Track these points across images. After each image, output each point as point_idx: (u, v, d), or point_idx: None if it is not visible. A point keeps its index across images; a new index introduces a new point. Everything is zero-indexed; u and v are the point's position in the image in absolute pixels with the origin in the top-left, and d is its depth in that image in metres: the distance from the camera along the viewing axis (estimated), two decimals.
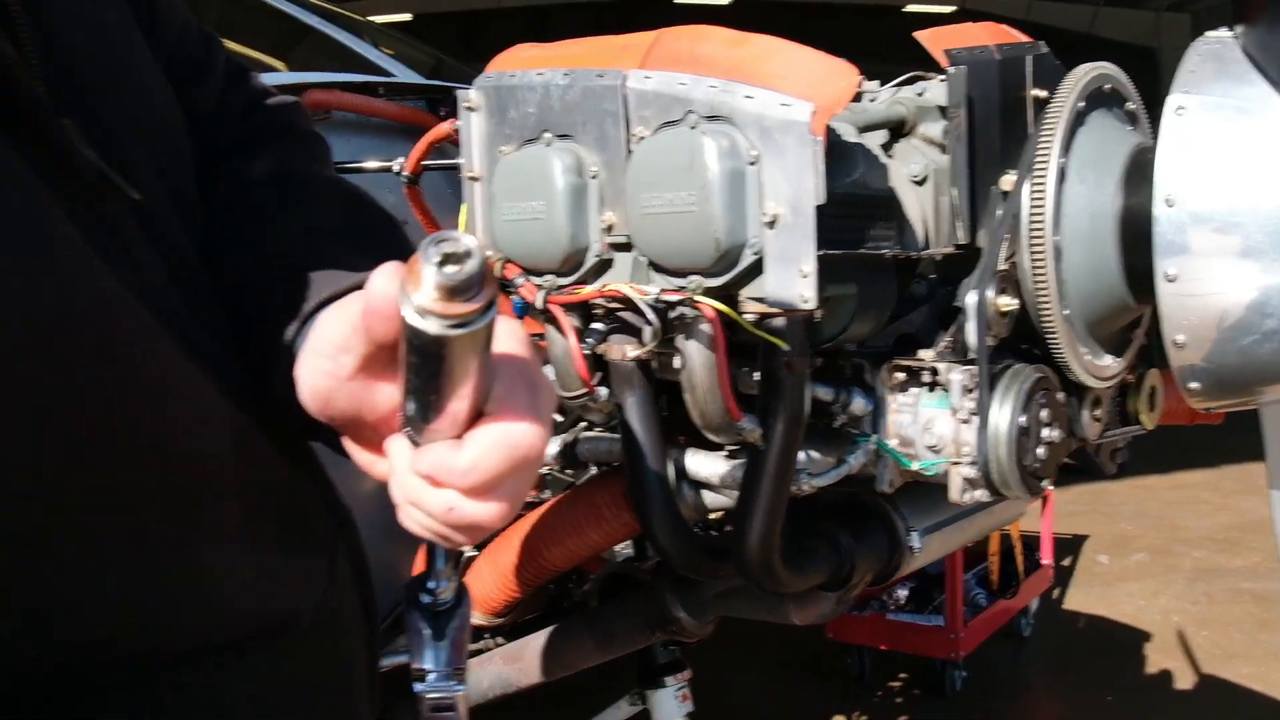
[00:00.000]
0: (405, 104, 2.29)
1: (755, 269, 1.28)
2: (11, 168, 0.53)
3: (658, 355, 1.44)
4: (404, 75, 2.49)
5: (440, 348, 0.51)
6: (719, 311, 1.31)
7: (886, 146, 1.56)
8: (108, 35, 0.71)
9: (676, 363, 1.44)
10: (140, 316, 0.59)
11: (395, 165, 1.81)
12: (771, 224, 1.24)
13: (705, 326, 1.35)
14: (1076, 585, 4.96)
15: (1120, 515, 5.93)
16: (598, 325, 1.48)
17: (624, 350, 1.44)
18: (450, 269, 0.48)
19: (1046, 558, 4.42)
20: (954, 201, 1.50)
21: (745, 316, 1.31)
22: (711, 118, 1.29)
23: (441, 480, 0.57)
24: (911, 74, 1.70)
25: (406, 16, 17.73)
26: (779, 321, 1.31)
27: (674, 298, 1.32)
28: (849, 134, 1.44)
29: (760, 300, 1.29)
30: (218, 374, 0.64)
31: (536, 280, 1.48)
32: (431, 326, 0.50)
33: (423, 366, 0.53)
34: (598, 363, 1.50)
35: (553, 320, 1.48)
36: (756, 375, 1.43)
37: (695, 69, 1.32)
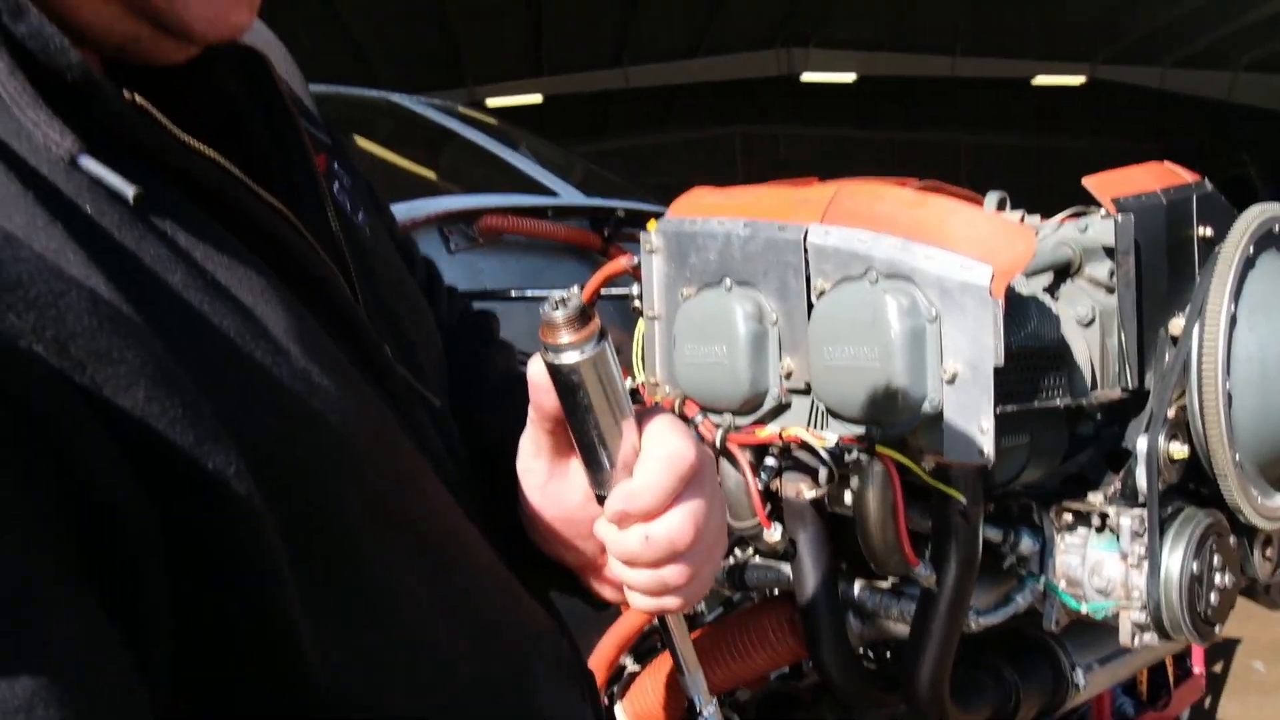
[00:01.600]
0: (570, 225, 2.41)
1: (933, 421, 1.33)
2: (364, 387, 0.65)
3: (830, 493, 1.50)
4: (567, 194, 2.62)
5: (579, 374, 0.64)
6: (897, 461, 1.36)
7: (1052, 287, 1.61)
8: (396, 270, 0.84)
9: (848, 498, 1.49)
10: (452, 503, 0.71)
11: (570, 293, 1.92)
12: (951, 381, 1.30)
13: (881, 473, 1.40)
14: (1230, 694, 4.77)
15: (1277, 617, 5.67)
16: (771, 461, 1.54)
17: (799, 489, 1.50)
18: (561, 308, 0.63)
19: (1198, 665, 4.27)
20: (1122, 346, 1.53)
21: (922, 465, 1.37)
22: (891, 275, 1.35)
23: (627, 509, 0.67)
24: (1074, 209, 1.75)
25: (537, 98, 18.29)
26: (955, 470, 1.36)
27: (853, 447, 1.38)
28: (1020, 283, 1.49)
29: (937, 451, 1.34)
30: (503, 553, 0.76)
31: (715, 419, 1.56)
32: (566, 358, 0.63)
33: (575, 405, 0.66)
34: (769, 495, 1.56)
35: (729, 457, 1.55)
36: (927, 514, 1.48)
37: (874, 226, 1.39)
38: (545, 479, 0.75)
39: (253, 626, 0.53)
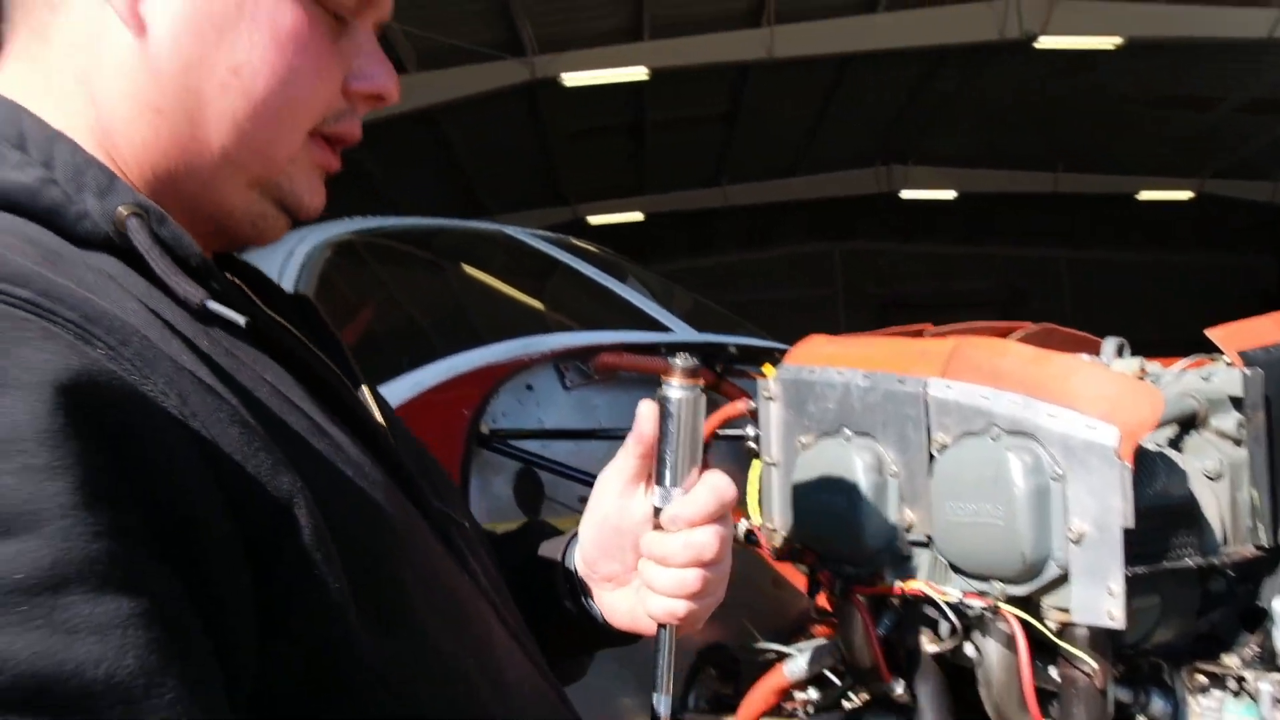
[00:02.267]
0: None
1: (1060, 581, 1.32)
2: (409, 506, 0.81)
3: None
4: (680, 330, 2.67)
5: (680, 406, 0.90)
6: (1022, 620, 1.35)
7: (1177, 439, 1.59)
8: (414, 439, 1.01)
9: (970, 651, 1.47)
10: (491, 614, 0.85)
11: None
12: (1077, 541, 1.29)
13: (1005, 630, 1.38)
14: None
15: None
16: (891, 612, 1.54)
17: (920, 641, 1.49)
18: (683, 360, 0.90)
19: None
20: (1254, 502, 1.50)
21: (1048, 624, 1.35)
22: (1014, 432, 1.36)
23: (680, 513, 0.91)
24: (1195, 357, 1.73)
25: (639, 215, 18.66)
26: (1082, 630, 1.34)
27: (977, 603, 1.37)
28: (1146, 440, 1.47)
29: (1064, 611, 1.32)
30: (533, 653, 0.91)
31: (833, 568, 1.56)
32: (675, 394, 0.90)
33: (667, 430, 0.90)
34: (888, 645, 1.55)
35: (850, 606, 1.55)
36: (1053, 671, 1.45)
37: (996, 382, 1.40)
38: (618, 494, 0.98)
39: (320, 635, 0.65)
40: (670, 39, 12.78)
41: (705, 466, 0.94)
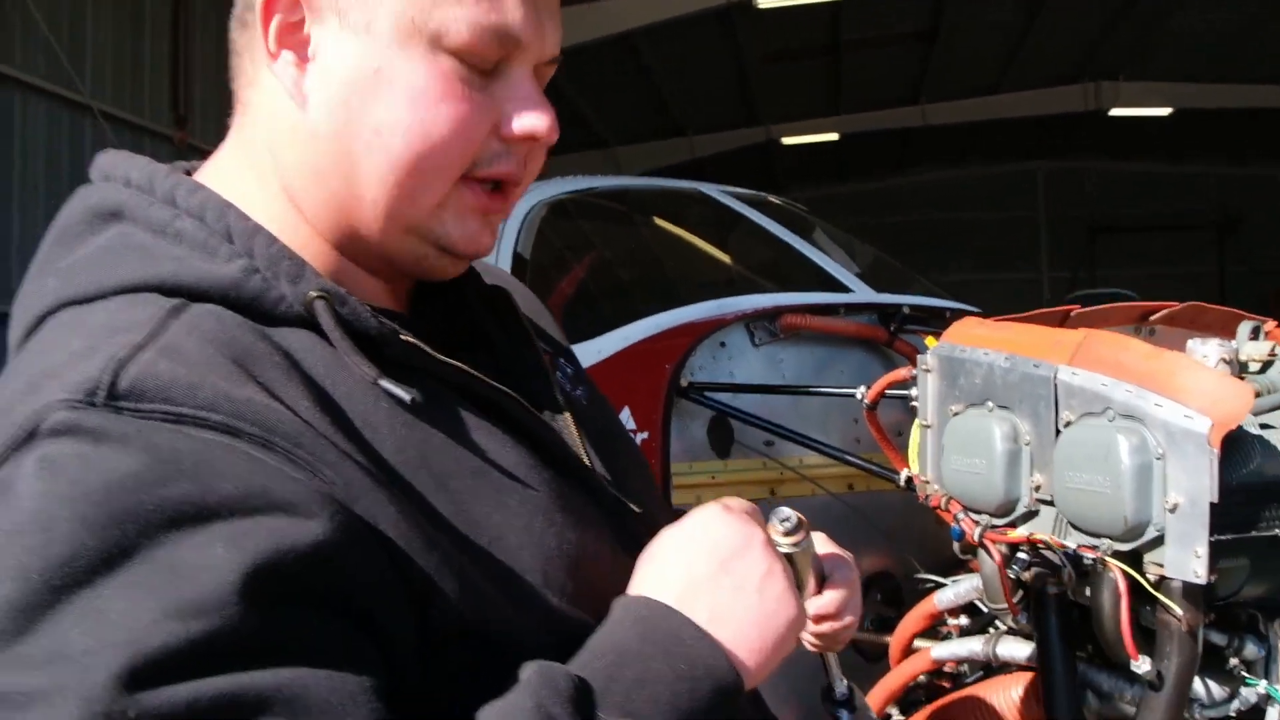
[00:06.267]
0: (860, 320, 2.76)
1: (1158, 541, 1.59)
2: (589, 510, 0.96)
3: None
4: (860, 291, 2.97)
5: (794, 560, 0.97)
6: (1124, 571, 1.63)
7: None
8: (609, 420, 1.18)
9: (1087, 591, 1.76)
10: None
11: (858, 393, 2.27)
12: (1172, 510, 1.56)
13: (1111, 579, 1.67)
14: None
15: None
16: (1022, 555, 1.84)
17: (1044, 581, 1.79)
18: (786, 524, 0.96)
19: None
20: None
21: (1147, 576, 1.63)
22: (1126, 416, 1.62)
23: (825, 612, 1.11)
24: None
25: (834, 135, 18.55)
26: (1175, 583, 1.61)
27: (1089, 555, 1.66)
28: (1250, 424, 1.71)
29: (1160, 566, 1.60)
30: None
31: (974, 517, 1.87)
32: (786, 550, 0.96)
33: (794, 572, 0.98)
34: (1019, 584, 1.85)
35: (986, 550, 1.86)
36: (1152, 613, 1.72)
37: (1115, 373, 1.67)
38: None
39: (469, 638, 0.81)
40: None
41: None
